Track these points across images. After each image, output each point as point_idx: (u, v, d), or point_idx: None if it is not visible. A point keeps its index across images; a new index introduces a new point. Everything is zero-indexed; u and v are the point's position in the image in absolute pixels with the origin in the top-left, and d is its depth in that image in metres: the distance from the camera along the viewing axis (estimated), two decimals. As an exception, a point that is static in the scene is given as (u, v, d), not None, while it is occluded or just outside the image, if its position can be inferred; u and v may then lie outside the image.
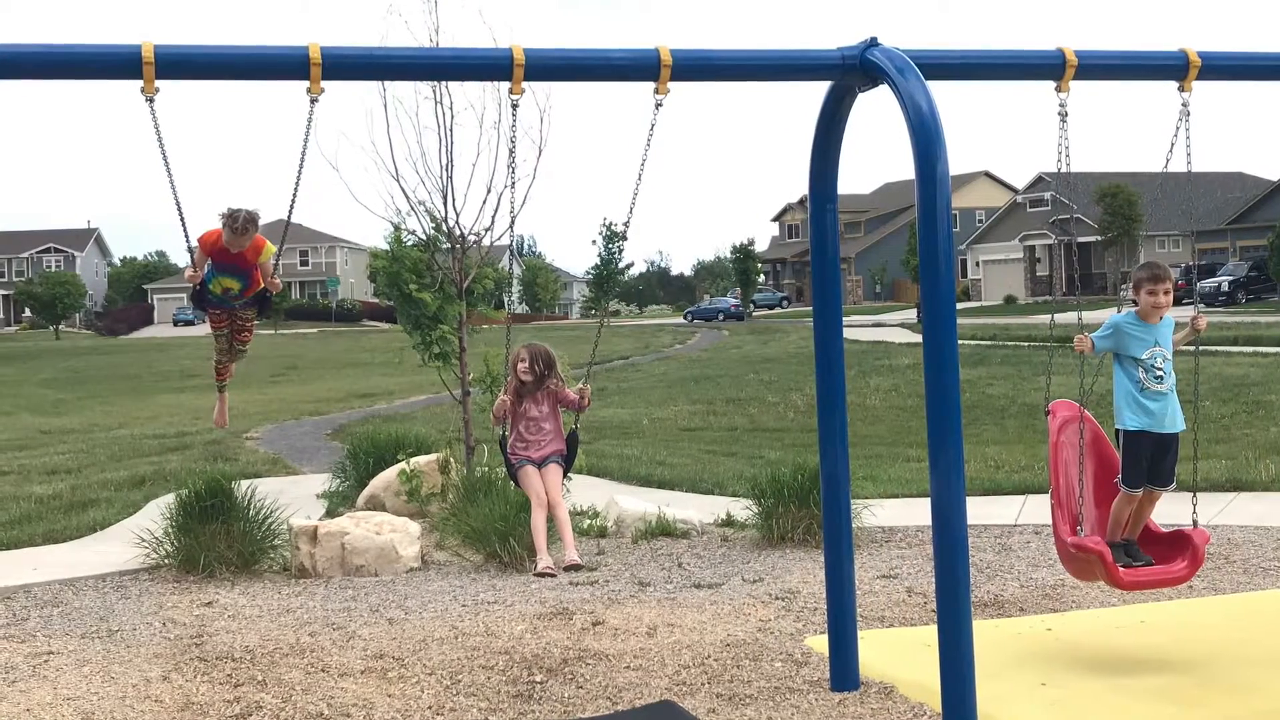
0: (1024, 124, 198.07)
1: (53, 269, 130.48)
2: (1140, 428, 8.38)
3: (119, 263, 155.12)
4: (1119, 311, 8.66)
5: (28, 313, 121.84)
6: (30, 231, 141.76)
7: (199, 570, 12.40)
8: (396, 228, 15.98)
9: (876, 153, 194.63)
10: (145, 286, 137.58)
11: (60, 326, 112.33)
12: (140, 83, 6.85)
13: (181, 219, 7.59)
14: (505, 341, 9.07)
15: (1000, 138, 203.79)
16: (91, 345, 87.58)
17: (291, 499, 15.35)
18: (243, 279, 8.56)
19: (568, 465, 9.33)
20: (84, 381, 50.56)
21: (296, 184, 7.47)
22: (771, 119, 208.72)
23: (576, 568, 9.18)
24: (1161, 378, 8.39)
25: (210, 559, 12.42)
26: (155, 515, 13.86)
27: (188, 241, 7.92)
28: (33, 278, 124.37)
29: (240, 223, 8.23)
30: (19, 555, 14.02)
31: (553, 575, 9.05)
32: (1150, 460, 8.43)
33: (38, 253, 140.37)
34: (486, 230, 15.76)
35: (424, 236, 15.95)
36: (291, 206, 7.56)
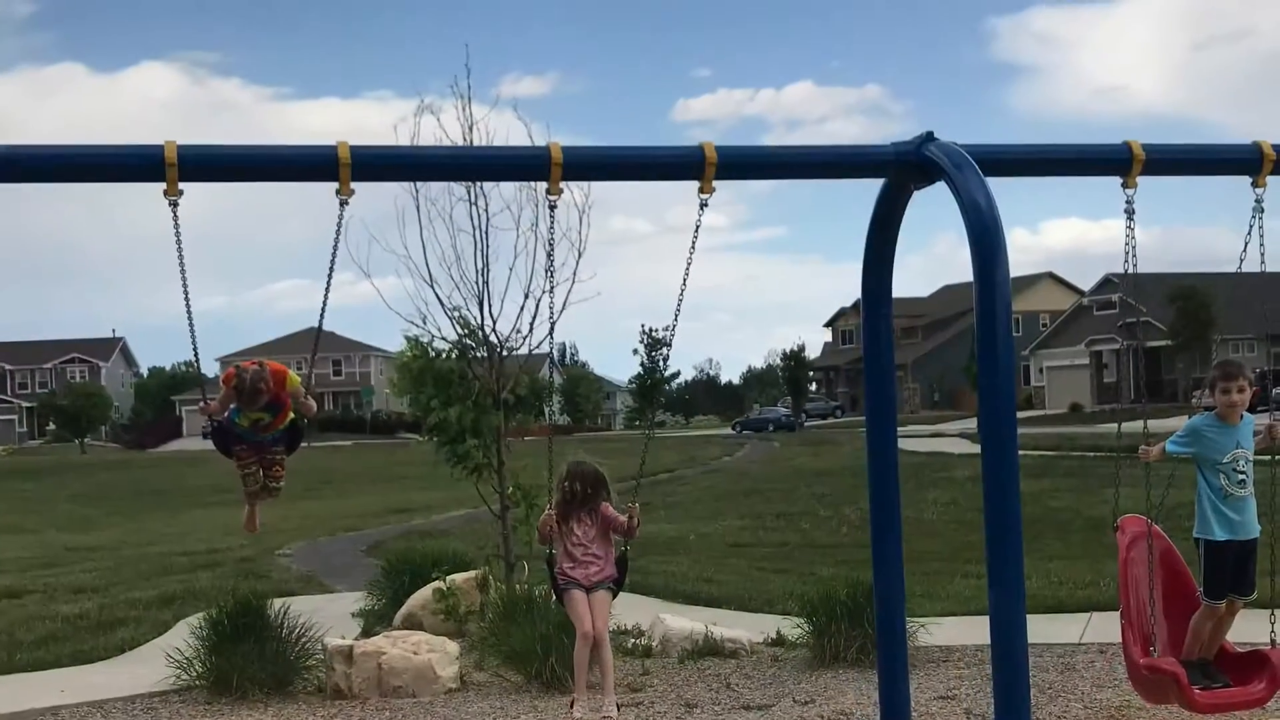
0: (1093, 222, 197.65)
1: (77, 380, 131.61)
2: (1227, 538, 8.37)
3: (145, 373, 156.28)
4: (1191, 417, 8.66)
5: (52, 425, 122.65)
6: (54, 341, 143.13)
7: (231, 691, 12.50)
8: (414, 340, 15.99)
9: (935, 254, 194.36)
10: (173, 398, 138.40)
11: (86, 439, 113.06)
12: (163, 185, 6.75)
13: (194, 348, 7.47)
14: (548, 453, 9.10)
15: (1067, 236, 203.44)
16: (119, 459, 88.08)
17: (326, 617, 15.45)
18: (273, 410, 8.23)
19: (617, 589, 9.37)
20: (112, 497, 50.95)
21: (327, 290, 7.35)
22: (823, 218, 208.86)
23: None
24: (1244, 482, 8.38)
25: (243, 680, 12.52)
26: (186, 635, 13.99)
27: (198, 365, 7.71)
28: (56, 390, 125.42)
29: (249, 387, 7.93)
30: (46, 677, 14.18)
31: None
32: (1233, 569, 8.44)
33: (61, 363, 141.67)
34: (524, 338, 15.83)
35: (457, 340, 15.92)
36: (322, 314, 7.54)
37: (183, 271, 7.08)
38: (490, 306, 15.78)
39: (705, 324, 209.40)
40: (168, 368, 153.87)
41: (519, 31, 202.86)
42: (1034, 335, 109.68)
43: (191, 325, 7.41)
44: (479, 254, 15.64)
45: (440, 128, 15.20)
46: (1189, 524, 8.60)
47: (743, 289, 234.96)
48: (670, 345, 8.55)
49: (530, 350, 16.32)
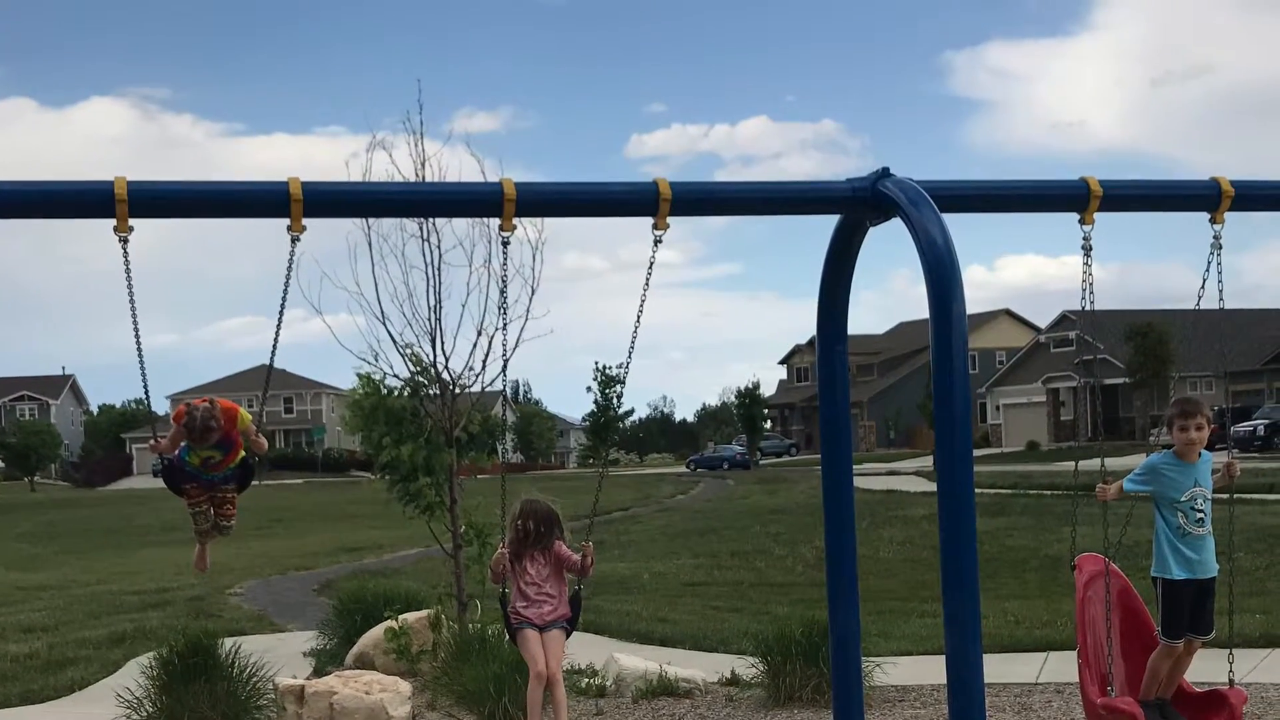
0: (1051, 258, 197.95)
1: (26, 418, 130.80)
2: (1186, 577, 8.39)
3: (95, 411, 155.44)
4: (1149, 455, 8.69)
5: (0, 463, 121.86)
6: (2, 379, 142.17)
7: (182, 731, 12.42)
8: (366, 378, 15.92)
9: (891, 290, 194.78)
10: (123, 436, 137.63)
11: (35, 477, 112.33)
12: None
13: (145, 386, 7.44)
14: (500, 493, 9.08)
15: (1024, 273, 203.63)
16: (69, 497, 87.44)
17: (277, 657, 15.37)
18: (223, 448, 8.16)
19: (571, 628, 9.34)
20: (61, 535, 50.60)
21: (278, 327, 7.26)
22: (779, 255, 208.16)
23: None
24: (1202, 520, 8.40)
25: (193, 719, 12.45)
26: (136, 674, 13.88)
27: (149, 403, 7.71)
28: (5, 427, 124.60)
29: (199, 424, 7.86)
30: (-7, 718, 14.07)
31: None
32: (1191, 608, 8.46)
33: (10, 401, 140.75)
34: (477, 376, 15.77)
35: (409, 377, 15.86)
36: (274, 351, 7.42)
37: (133, 308, 7.01)
38: (443, 343, 15.69)
39: (660, 361, 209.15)
40: (118, 405, 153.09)
41: (472, 67, 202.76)
42: (990, 372, 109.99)
43: (142, 362, 7.36)
44: (431, 290, 15.55)
45: (393, 163, 15.18)
46: (1147, 562, 8.63)
47: (697, 326, 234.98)
48: (624, 383, 8.55)
49: (483, 387, 16.25)
